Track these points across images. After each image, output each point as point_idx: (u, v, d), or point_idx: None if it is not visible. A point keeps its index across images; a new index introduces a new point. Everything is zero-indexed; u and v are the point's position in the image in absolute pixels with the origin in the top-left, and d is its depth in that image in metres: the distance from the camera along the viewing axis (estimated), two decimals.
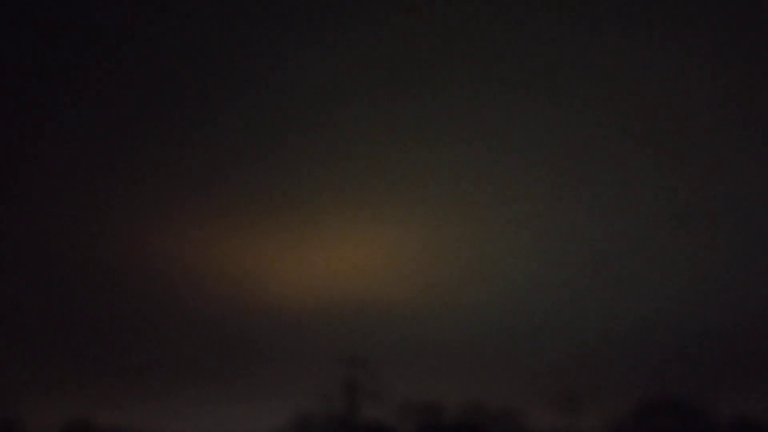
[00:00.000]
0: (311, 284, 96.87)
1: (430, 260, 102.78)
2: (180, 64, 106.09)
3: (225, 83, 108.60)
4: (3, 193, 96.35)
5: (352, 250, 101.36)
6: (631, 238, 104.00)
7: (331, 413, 66.20)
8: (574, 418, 71.50)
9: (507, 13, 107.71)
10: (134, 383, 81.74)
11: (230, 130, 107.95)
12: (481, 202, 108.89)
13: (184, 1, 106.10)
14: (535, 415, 72.16)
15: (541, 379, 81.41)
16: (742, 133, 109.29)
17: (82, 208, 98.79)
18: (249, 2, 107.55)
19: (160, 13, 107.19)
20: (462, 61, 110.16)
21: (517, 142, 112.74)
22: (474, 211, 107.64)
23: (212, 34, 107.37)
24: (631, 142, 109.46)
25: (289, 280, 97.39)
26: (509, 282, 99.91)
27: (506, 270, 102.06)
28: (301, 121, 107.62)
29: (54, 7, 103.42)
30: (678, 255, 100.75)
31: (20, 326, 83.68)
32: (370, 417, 68.48)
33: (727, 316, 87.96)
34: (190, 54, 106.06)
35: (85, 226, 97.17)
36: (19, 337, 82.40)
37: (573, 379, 77.85)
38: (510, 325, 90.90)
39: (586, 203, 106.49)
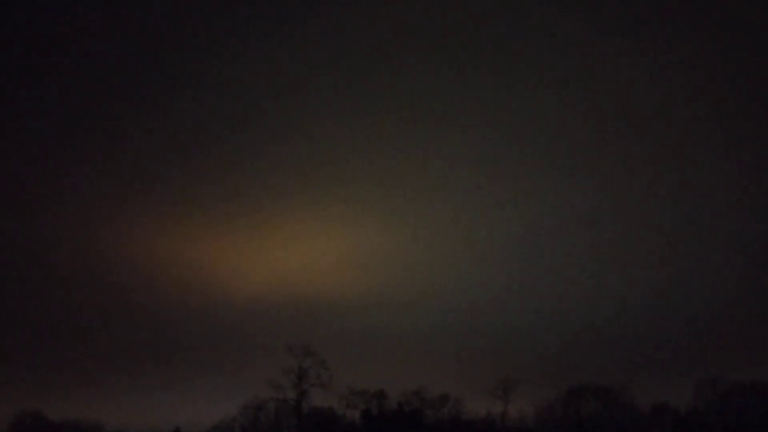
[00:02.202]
0: (264, 279, 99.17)
1: (374, 258, 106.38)
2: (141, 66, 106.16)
3: (187, 85, 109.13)
4: None
5: (302, 249, 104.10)
6: (554, 237, 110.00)
7: (281, 401, 67.50)
8: (506, 404, 74.29)
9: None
10: (85, 376, 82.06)
11: (191, 133, 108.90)
12: (422, 205, 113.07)
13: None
14: (471, 401, 75.45)
15: (476, 368, 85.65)
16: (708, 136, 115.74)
17: (32, 201, 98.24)
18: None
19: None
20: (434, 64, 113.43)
21: (469, 147, 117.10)
22: (417, 212, 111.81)
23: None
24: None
25: (243, 276, 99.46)
26: (447, 277, 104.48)
27: (444, 265, 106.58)
28: (260, 128, 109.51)
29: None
30: (597, 250, 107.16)
31: None
32: (319, 404, 70.70)
33: (648, 305, 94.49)
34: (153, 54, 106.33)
35: (41, 222, 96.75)
36: None
37: (506, 367, 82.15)
38: (447, 317, 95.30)
39: (518, 201, 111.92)
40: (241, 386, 70.87)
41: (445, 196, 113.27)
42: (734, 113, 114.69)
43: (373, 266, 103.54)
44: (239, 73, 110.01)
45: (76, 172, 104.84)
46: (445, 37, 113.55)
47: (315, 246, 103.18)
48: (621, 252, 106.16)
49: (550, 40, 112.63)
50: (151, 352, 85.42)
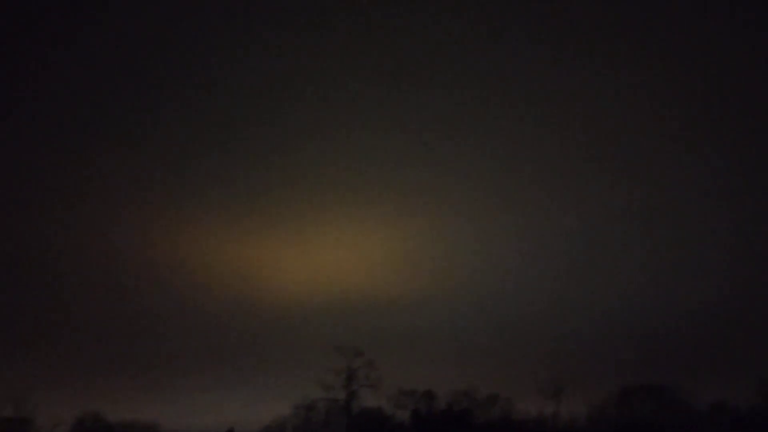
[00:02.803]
0: (313, 280, 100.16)
1: (423, 257, 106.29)
2: (186, 68, 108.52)
3: (234, 92, 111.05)
4: (7, 199, 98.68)
5: (349, 249, 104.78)
6: (609, 236, 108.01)
7: (332, 401, 68.14)
8: (558, 404, 73.15)
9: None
10: (142, 378, 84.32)
11: (236, 135, 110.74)
12: (471, 205, 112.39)
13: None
14: (522, 402, 75.04)
15: (527, 368, 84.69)
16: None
17: (87, 210, 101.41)
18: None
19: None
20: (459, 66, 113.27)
21: (509, 153, 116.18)
22: (466, 212, 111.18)
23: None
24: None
25: (291, 277, 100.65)
26: (497, 276, 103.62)
27: (494, 265, 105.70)
28: (303, 127, 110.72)
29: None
30: (652, 250, 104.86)
31: (32, 326, 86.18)
32: (368, 405, 71.11)
33: (704, 304, 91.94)
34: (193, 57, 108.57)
35: (92, 228, 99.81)
36: (31, 336, 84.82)
37: (557, 366, 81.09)
38: (498, 317, 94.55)
39: (570, 208, 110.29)
40: (292, 387, 71.78)
41: (495, 196, 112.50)
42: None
43: (422, 266, 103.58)
44: (274, 67, 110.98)
45: (127, 181, 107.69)
46: (474, 35, 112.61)
47: (363, 246, 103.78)
48: (678, 250, 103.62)
49: (592, 24, 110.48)
50: (206, 354, 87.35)
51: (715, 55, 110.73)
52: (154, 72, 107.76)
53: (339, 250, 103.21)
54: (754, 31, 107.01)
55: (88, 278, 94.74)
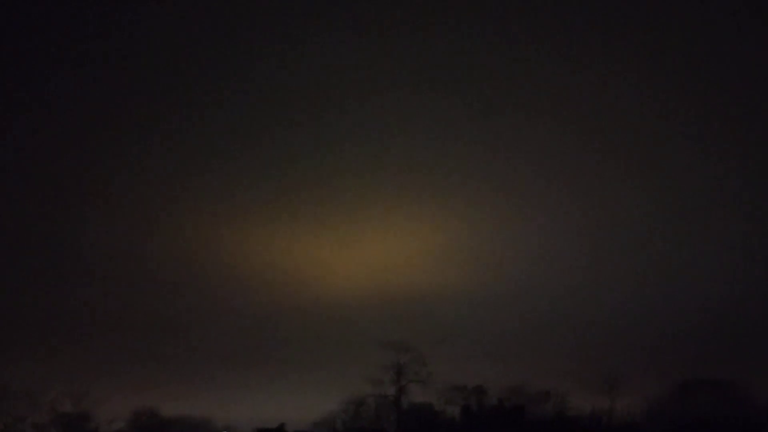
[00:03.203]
0: (360, 275, 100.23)
1: (472, 251, 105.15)
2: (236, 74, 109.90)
3: (278, 93, 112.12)
4: (74, 197, 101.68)
5: (397, 243, 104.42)
6: (660, 230, 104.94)
7: (381, 397, 68.13)
8: (613, 400, 71.81)
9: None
10: (195, 374, 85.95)
11: (280, 134, 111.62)
12: (521, 198, 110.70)
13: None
14: (576, 397, 73.49)
15: (581, 362, 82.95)
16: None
17: (143, 212, 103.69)
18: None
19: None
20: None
21: (546, 156, 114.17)
22: (516, 205, 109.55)
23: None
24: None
25: (338, 273, 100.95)
26: (548, 270, 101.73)
27: (546, 259, 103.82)
28: (346, 129, 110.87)
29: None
30: (710, 240, 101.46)
31: (90, 324, 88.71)
32: (418, 400, 70.85)
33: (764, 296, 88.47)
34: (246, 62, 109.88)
35: (147, 229, 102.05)
36: (89, 333, 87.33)
37: (612, 360, 79.18)
38: (551, 310, 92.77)
39: (623, 199, 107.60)
40: (341, 382, 72.08)
41: (546, 189, 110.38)
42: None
43: (472, 260, 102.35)
44: (320, 68, 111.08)
45: (174, 182, 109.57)
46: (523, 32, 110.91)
47: (411, 241, 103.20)
48: (740, 239, 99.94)
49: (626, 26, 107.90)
50: (256, 351, 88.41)
51: (735, 56, 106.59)
52: (200, 71, 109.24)
53: (387, 245, 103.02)
54: None
55: (144, 277, 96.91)
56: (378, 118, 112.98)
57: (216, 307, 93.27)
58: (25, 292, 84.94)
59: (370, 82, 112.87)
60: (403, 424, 69.06)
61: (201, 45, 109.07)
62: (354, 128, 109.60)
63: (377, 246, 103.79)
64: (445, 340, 79.66)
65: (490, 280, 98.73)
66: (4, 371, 50.38)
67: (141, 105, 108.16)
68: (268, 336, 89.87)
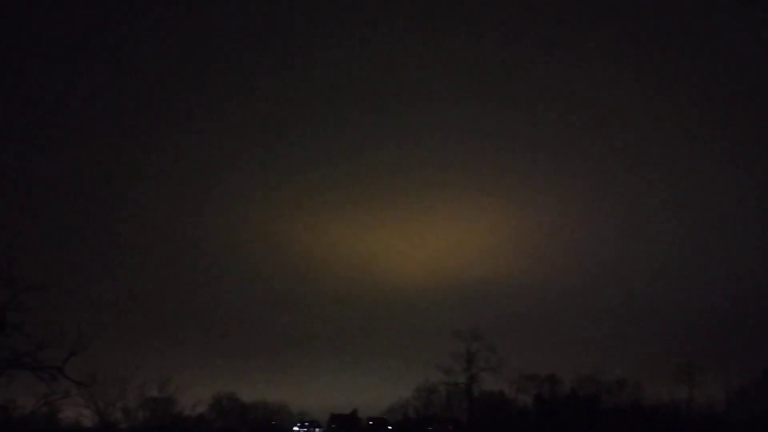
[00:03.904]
0: (431, 263, 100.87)
1: (543, 240, 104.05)
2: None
3: (348, 91, 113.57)
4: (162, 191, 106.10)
5: (467, 234, 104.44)
6: (743, 210, 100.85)
7: (452, 385, 68.01)
8: (692, 389, 69.37)
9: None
10: (272, 361, 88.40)
11: (356, 127, 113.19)
12: (591, 185, 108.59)
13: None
14: (652, 386, 71.38)
15: (658, 350, 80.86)
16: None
17: (218, 202, 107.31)
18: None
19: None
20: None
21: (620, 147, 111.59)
22: (584, 195, 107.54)
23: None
24: None
25: (412, 263, 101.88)
26: (621, 257, 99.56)
27: (619, 245, 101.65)
28: (415, 111, 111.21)
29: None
30: None
31: (174, 313, 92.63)
32: (489, 388, 70.46)
33: None
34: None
35: (225, 220, 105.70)
36: (174, 322, 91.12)
37: (691, 348, 76.84)
38: (625, 297, 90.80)
39: (702, 185, 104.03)
40: (414, 370, 72.65)
41: (621, 178, 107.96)
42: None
43: (543, 249, 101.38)
44: (398, 60, 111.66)
45: (255, 175, 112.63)
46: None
47: (482, 230, 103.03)
48: None
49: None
50: (331, 339, 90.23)
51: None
52: (270, 68, 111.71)
53: (459, 235, 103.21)
54: None
55: (225, 268, 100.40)
56: (444, 105, 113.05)
57: (292, 297, 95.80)
58: (116, 286, 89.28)
59: (440, 80, 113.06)
60: (474, 411, 68.92)
61: (269, 38, 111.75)
62: (430, 121, 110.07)
63: (449, 236, 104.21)
64: (516, 329, 79.27)
65: (563, 268, 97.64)
66: (97, 359, 53.16)
67: (231, 107, 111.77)
68: (342, 324, 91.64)
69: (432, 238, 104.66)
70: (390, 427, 78.39)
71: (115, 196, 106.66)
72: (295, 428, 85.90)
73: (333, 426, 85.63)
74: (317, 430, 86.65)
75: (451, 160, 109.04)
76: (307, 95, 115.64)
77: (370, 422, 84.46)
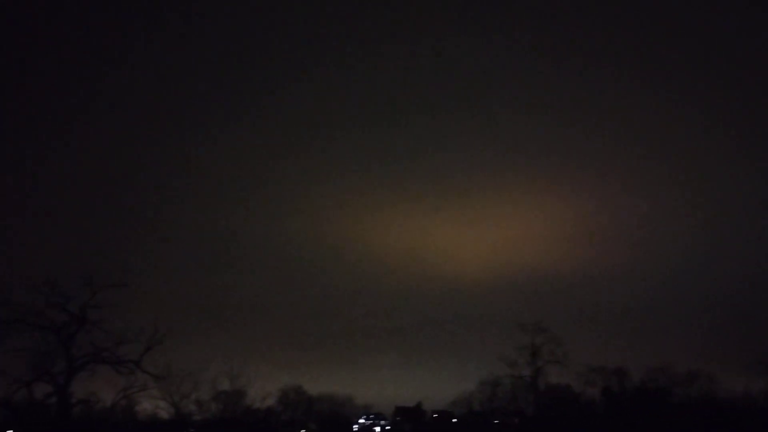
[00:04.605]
0: (494, 257, 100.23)
1: (608, 229, 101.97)
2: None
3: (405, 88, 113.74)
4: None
5: (529, 223, 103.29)
6: None
7: (517, 378, 67.70)
8: None
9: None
10: (338, 355, 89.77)
11: (416, 119, 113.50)
12: (662, 171, 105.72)
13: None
14: (726, 379, 69.28)
15: (732, 341, 78.31)
16: None
17: (287, 197, 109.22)
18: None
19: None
20: None
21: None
22: (654, 180, 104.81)
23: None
24: None
25: (475, 254, 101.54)
26: (696, 244, 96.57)
27: (693, 233, 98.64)
28: (467, 103, 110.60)
29: None
30: None
31: (244, 306, 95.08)
32: (555, 381, 69.72)
33: None
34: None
35: (292, 216, 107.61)
36: (243, 316, 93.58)
37: (766, 339, 74.04)
38: (696, 287, 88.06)
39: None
40: (478, 363, 72.55)
41: (695, 164, 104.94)
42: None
43: (608, 238, 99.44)
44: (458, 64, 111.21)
45: (313, 170, 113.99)
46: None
47: (544, 219, 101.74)
48: None
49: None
50: (396, 331, 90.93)
51: None
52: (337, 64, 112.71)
53: (521, 225, 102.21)
54: None
55: (290, 263, 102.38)
56: (498, 96, 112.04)
57: (357, 290, 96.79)
58: (187, 282, 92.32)
59: (502, 74, 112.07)
60: (540, 404, 68.29)
61: (322, 35, 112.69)
62: (490, 113, 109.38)
63: (512, 226, 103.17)
64: (583, 320, 78.09)
65: (630, 257, 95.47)
66: (171, 354, 55.41)
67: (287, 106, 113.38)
68: (406, 317, 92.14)
69: (498, 229, 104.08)
70: (455, 420, 78.40)
71: (184, 197, 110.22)
72: (362, 420, 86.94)
73: (398, 418, 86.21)
74: (382, 422, 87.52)
75: (515, 152, 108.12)
76: (358, 94, 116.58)
77: (435, 415, 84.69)
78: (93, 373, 52.68)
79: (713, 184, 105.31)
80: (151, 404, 62.50)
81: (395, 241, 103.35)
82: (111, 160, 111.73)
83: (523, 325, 66.32)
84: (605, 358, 70.76)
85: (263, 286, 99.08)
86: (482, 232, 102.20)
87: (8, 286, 50.63)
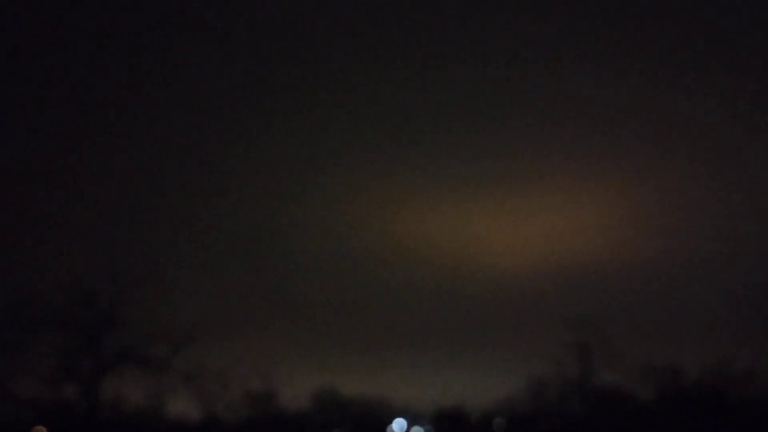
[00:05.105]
0: (538, 250, 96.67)
1: (659, 217, 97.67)
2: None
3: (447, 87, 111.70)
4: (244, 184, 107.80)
5: (574, 213, 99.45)
6: None
7: (564, 378, 65.94)
8: None
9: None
10: (374, 354, 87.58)
11: (453, 110, 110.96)
12: (713, 156, 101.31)
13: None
14: None
15: None
16: None
17: (318, 192, 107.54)
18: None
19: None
20: None
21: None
22: (705, 164, 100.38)
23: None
24: None
25: (518, 247, 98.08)
26: (755, 231, 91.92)
27: (749, 219, 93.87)
28: (514, 101, 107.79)
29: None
30: None
31: (274, 306, 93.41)
32: (605, 381, 67.53)
33: None
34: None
35: (321, 214, 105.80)
36: (274, 315, 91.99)
37: None
38: (755, 280, 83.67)
39: None
40: (522, 362, 70.04)
41: (746, 147, 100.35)
42: None
43: (660, 227, 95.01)
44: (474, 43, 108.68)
45: (349, 166, 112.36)
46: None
47: (591, 208, 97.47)
48: None
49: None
50: (435, 330, 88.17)
51: None
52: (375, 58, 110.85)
53: (565, 215, 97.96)
54: None
55: (321, 260, 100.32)
56: (544, 85, 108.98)
57: (393, 287, 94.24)
58: (219, 280, 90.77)
59: (547, 59, 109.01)
60: (589, 405, 66.35)
61: (373, 36, 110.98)
62: (528, 101, 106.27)
63: (556, 217, 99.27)
64: (634, 317, 74.95)
65: (683, 248, 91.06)
66: (201, 354, 54.06)
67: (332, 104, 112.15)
68: (446, 315, 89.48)
69: (541, 221, 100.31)
70: (500, 422, 76.83)
71: (214, 190, 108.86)
72: (398, 423, 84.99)
73: (438, 422, 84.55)
74: (423, 427, 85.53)
75: (558, 138, 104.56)
76: (409, 94, 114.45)
77: (478, 418, 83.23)
78: (122, 374, 51.85)
79: None
80: (182, 405, 61.66)
81: (437, 232, 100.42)
82: (141, 154, 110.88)
83: (570, 321, 64.11)
84: (658, 356, 67.44)
85: (294, 285, 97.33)
86: (530, 222, 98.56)
87: (34, 284, 50.15)
